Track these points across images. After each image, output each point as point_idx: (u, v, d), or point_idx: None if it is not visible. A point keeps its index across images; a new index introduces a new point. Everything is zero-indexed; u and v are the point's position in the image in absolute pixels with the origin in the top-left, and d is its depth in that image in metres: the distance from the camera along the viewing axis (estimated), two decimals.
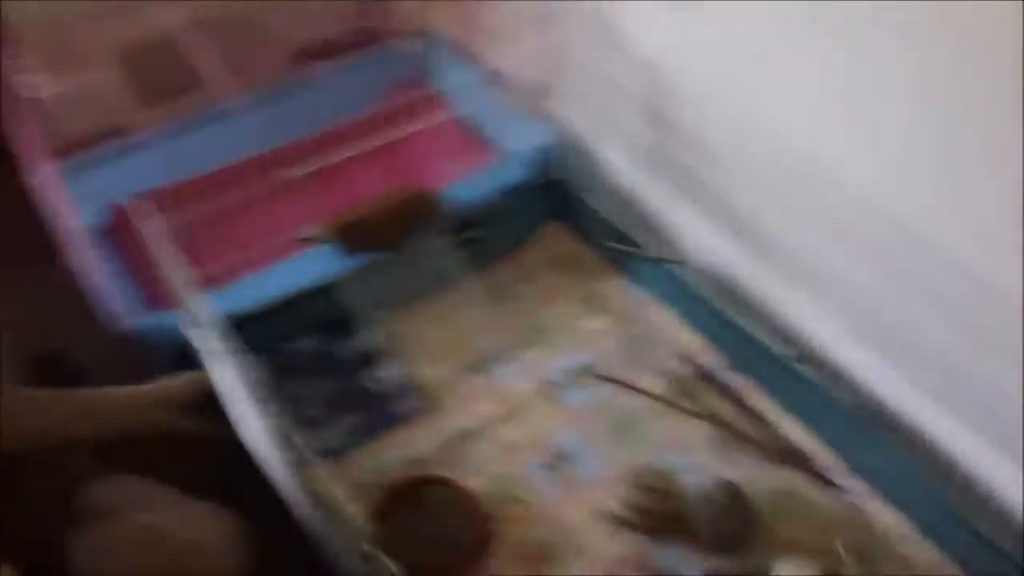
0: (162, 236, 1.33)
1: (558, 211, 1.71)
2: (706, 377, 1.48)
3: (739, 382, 1.47)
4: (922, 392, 1.25)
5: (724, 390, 1.46)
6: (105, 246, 1.57)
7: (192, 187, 1.60)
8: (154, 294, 1.47)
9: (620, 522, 1.32)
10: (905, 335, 1.22)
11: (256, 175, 1.59)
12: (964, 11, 0.87)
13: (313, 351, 1.55)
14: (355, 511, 1.32)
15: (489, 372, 1.51)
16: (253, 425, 1.19)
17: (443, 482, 1.35)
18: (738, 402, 1.44)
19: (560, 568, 1.28)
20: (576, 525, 1.32)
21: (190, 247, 1.43)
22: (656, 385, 1.47)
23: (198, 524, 1.21)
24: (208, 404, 1.28)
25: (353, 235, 1.49)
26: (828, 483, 1.34)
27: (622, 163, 1.59)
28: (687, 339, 1.53)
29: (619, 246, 1.60)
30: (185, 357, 1.35)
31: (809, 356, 1.38)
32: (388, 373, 1.50)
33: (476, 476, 1.38)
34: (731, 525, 1.28)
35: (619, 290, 1.62)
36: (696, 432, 1.42)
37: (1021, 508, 1.16)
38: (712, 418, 1.42)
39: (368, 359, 1.52)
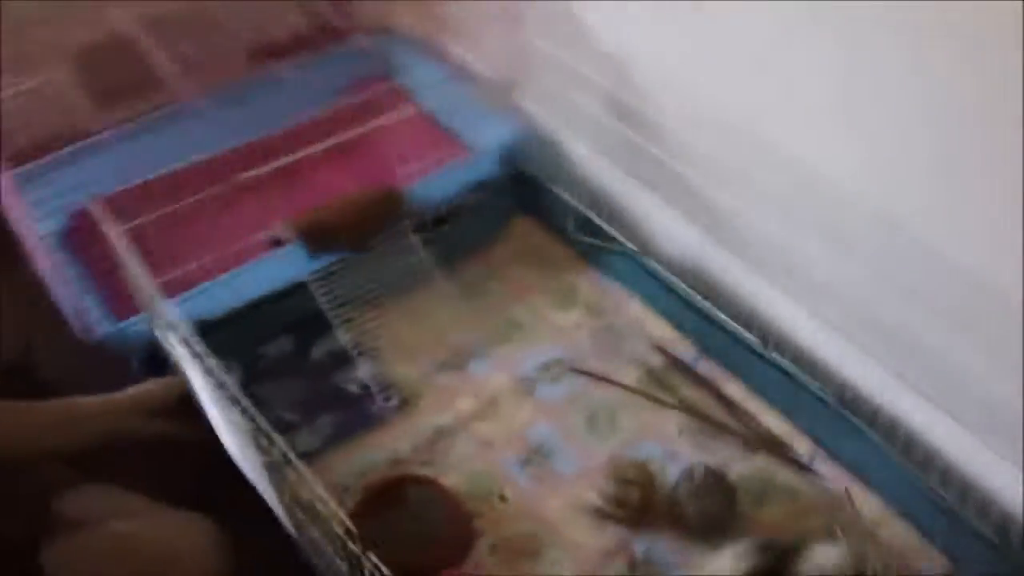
0: (126, 241, 1.30)
1: (527, 205, 1.71)
2: (679, 366, 1.49)
3: (712, 370, 1.48)
4: (894, 377, 1.27)
5: (698, 379, 1.47)
6: (69, 252, 1.54)
7: (156, 190, 1.57)
8: (122, 300, 1.44)
9: (600, 514, 1.32)
10: (875, 320, 1.24)
11: (220, 176, 1.56)
12: (964, 11, 0.88)
13: (286, 353, 1.53)
14: (334, 513, 1.31)
15: (464, 369, 1.51)
16: (227, 429, 1.17)
17: (422, 481, 1.35)
18: (712, 390, 1.46)
19: (543, 563, 1.28)
20: (557, 519, 1.33)
21: (156, 251, 1.41)
22: (630, 376, 1.48)
23: (173, 531, 1.20)
24: (182, 409, 1.27)
25: (319, 235, 1.48)
26: (803, 468, 1.36)
27: (589, 156, 1.59)
28: (659, 329, 1.54)
29: (589, 239, 1.61)
30: (156, 363, 1.33)
31: (779, 342, 1.39)
32: (362, 373, 1.49)
33: (454, 473, 1.37)
34: (717, 506, 1.29)
35: (590, 282, 1.63)
36: (671, 422, 1.43)
37: (999, 490, 1.19)
38: (687, 407, 1.43)
39: (342, 359, 1.50)
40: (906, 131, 1.02)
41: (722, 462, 1.36)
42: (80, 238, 1.57)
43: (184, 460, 1.34)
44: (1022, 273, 0.97)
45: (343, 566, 1.10)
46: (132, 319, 1.38)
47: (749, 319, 1.43)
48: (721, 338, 1.45)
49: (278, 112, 1.71)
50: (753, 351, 1.41)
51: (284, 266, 1.48)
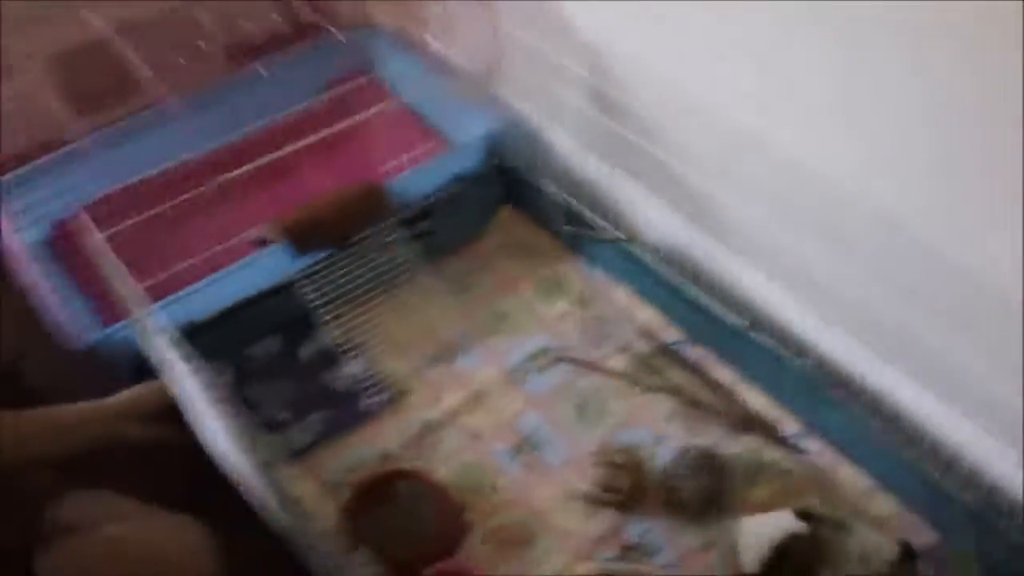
0: (108, 248, 1.31)
1: (511, 197, 1.72)
2: (667, 352, 1.49)
3: (699, 354, 1.49)
4: (875, 354, 1.28)
5: (685, 363, 1.48)
6: (54, 261, 1.54)
7: (139, 194, 1.57)
8: (108, 306, 1.44)
9: (592, 501, 1.33)
10: (878, 322, 1.24)
11: (203, 177, 1.56)
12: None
13: (274, 353, 1.54)
14: (326, 510, 1.32)
15: (452, 363, 1.52)
16: (216, 431, 1.18)
17: (413, 475, 1.35)
18: (699, 374, 1.46)
19: (535, 552, 1.29)
20: (548, 508, 1.34)
21: (141, 255, 1.41)
22: (618, 363, 1.49)
23: (164, 534, 1.20)
24: (171, 412, 1.27)
25: (303, 234, 1.48)
26: (792, 447, 1.37)
27: (572, 146, 1.59)
28: (646, 316, 1.55)
29: (574, 229, 1.61)
30: (143, 368, 1.33)
31: (763, 324, 1.40)
32: (351, 370, 1.50)
33: (445, 467, 1.38)
34: (711, 485, 1.30)
35: (576, 272, 1.63)
36: (660, 407, 1.43)
37: (976, 459, 1.20)
38: (674, 391, 1.44)
39: (330, 357, 1.51)
40: (906, 131, 1.02)
41: (712, 444, 1.37)
42: (64, 246, 1.57)
43: (174, 463, 1.34)
44: (1022, 273, 0.98)
45: (334, 563, 1.11)
46: (118, 325, 1.38)
47: (734, 303, 1.43)
48: (707, 322, 1.46)
49: (258, 111, 1.71)
50: (739, 334, 1.42)
51: (269, 266, 1.48)
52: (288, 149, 1.57)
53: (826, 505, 1.27)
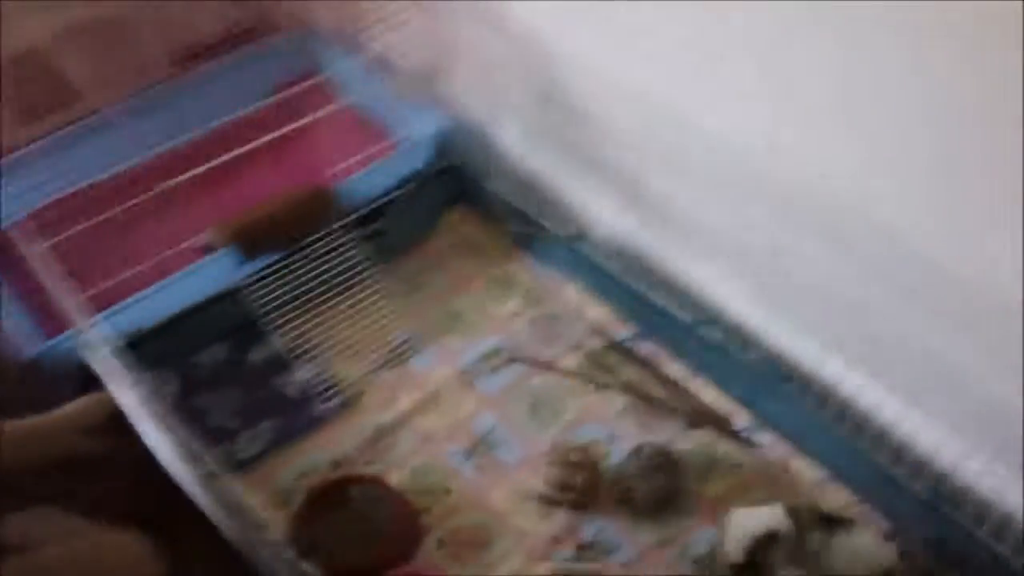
0: (50, 258, 1.28)
1: (460, 197, 1.71)
2: (619, 349, 1.50)
3: (651, 350, 1.49)
4: (823, 345, 1.28)
5: (637, 359, 1.48)
6: None
7: (83, 202, 1.54)
8: (51, 318, 1.42)
9: (547, 501, 1.33)
10: (807, 290, 1.25)
11: (147, 184, 1.54)
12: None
13: (221, 361, 1.52)
14: (277, 518, 1.31)
15: (405, 364, 1.51)
16: (161, 442, 1.16)
17: (366, 480, 1.34)
18: (651, 370, 1.47)
19: (492, 553, 1.29)
20: (504, 509, 1.33)
21: (85, 264, 1.39)
22: (571, 361, 1.48)
23: (109, 552, 1.18)
24: (116, 425, 1.25)
25: (250, 238, 1.46)
26: (744, 441, 1.38)
27: (519, 144, 1.58)
28: (597, 313, 1.55)
29: (523, 227, 1.61)
30: (89, 379, 1.31)
31: (714, 319, 1.40)
32: (302, 375, 1.48)
33: (399, 470, 1.37)
34: (664, 484, 1.30)
35: (527, 270, 1.63)
36: (613, 403, 1.43)
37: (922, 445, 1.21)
38: (627, 388, 1.44)
39: (281, 363, 1.49)
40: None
41: (665, 440, 1.37)
42: (6, 256, 1.53)
43: (121, 476, 1.32)
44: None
45: (286, 573, 1.10)
46: (61, 336, 1.35)
47: (684, 298, 1.43)
48: (658, 318, 1.46)
49: (204, 116, 1.68)
50: (690, 329, 1.42)
51: (216, 272, 1.46)
52: (235, 153, 1.55)
53: (778, 498, 1.28)
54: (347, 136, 1.70)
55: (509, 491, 1.35)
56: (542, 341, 1.52)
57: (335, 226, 1.52)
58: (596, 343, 1.50)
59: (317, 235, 1.52)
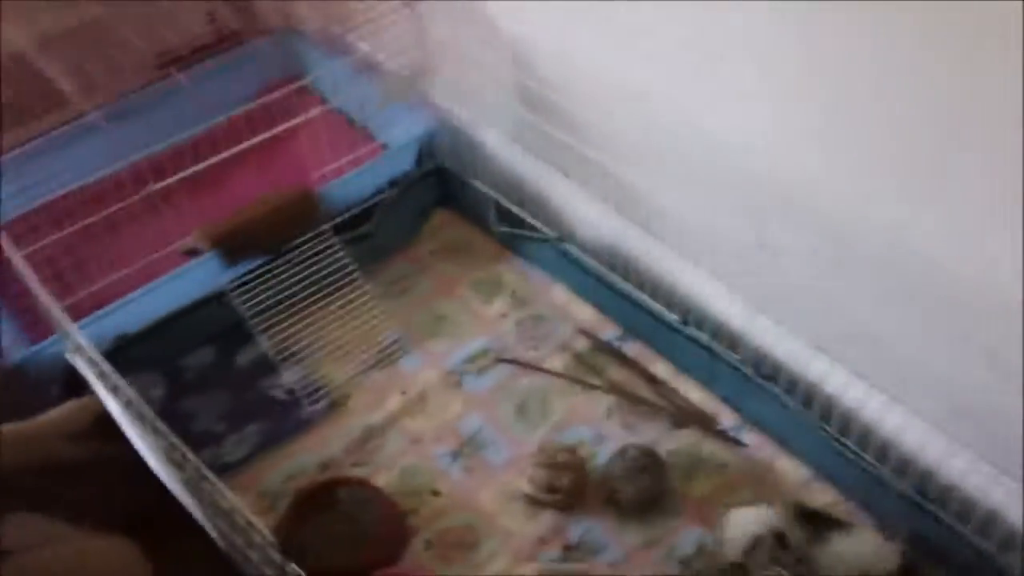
0: (34, 264, 1.28)
1: (446, 199, 1.71)
2: (605, 349, 1.50)
3: (636, 350, 1.49)
4: (808, 345, 1.29)
5: (623, 360, 1.48)
6: None
7: (67, 207, 1.54)
8: (35, 324, 1.41)
9: (534, 501, 1.33)
10: (794, 290, 1.26)
11: (132, 188, 1.53)
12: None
13: (208, 364, 1.51)
14: (265, 521, 1.30)
15: (393, 366, 1.51)
16: (147, 446, 1.16)
17: (353, 482, 1.34)
18: (638, 370, 1.47)
19: (479, 554, 1.29)
20: (491, 510, 1.33)
21: (71, 269, 1.39)
22: (557, 362, 1.49)
23: (96, 558, 1.18)
24: (101, 430, 1.25)
25: (235, 243, 1.46)
26: (729, 440, 1.38)
27: (504, 146, 1.59)
28: (583, 313, 1.55)
29: (509, 228, 1.61)
30: (75, 385, 1.31)
31: (699, 319, 1.41)
32: (288, 378, 1.48)
33: (386, 472, 1.38)
34: (650, 485, 1.31)
35: (513, 271, 1.63)
36: (599, 404, 1.44)
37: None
38: (613, 388, 1.45)
39: (268, 366, 1.49)
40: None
41: (651, 440, 1.37)
42: None
43: (107, 481, 1.31)
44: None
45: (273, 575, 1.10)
46: (46, 342, 1.35)
47: (670, 298, 1.44)
48: (644, 318, 1.47)
49: (187, 121, 1.68)
50: (675, 329, 1.42)
51: (202, 276, 1.46)
52: (220, 156, 1.55)
53: (764, 498, 1.28)
54: (333, 139, 1.70)
55: (496, 492, 1.35)
56: (528, 342, 1.52)
57: (321, 229, 1.53)
58: (582, 344, 1.51)
59: (303, 238, 1.52)
